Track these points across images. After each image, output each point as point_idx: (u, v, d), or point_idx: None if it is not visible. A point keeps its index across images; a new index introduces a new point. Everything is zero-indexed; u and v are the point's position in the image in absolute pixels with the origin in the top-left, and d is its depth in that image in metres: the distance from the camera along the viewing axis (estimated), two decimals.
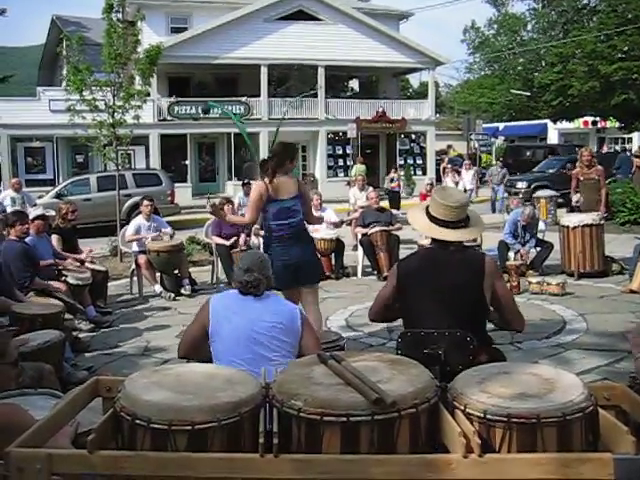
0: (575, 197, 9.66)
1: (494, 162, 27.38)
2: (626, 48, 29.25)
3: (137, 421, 2.15)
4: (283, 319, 3.33)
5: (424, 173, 28.62)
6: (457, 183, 17.14)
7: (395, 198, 18.93)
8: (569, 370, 2.58)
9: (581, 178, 9.89)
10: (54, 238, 8.02)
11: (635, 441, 2.06)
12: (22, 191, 13.40)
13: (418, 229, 3.67)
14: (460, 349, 3.16)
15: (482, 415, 2.14)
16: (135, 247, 9.25)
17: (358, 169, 20.42)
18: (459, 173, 20.46)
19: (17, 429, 2.22)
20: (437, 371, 2.85)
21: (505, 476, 2.03)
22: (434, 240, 3.48)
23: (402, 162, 29.49)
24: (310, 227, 9.93)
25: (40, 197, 17.31)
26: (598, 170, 10.00)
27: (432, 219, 3.43)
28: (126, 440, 2.22)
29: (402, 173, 28.67)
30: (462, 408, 2.21)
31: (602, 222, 9.33)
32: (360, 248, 10.06)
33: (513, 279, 8.31)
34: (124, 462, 2.11)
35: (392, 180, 19.70)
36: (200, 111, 24.42)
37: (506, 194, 19.43)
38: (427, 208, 3.49)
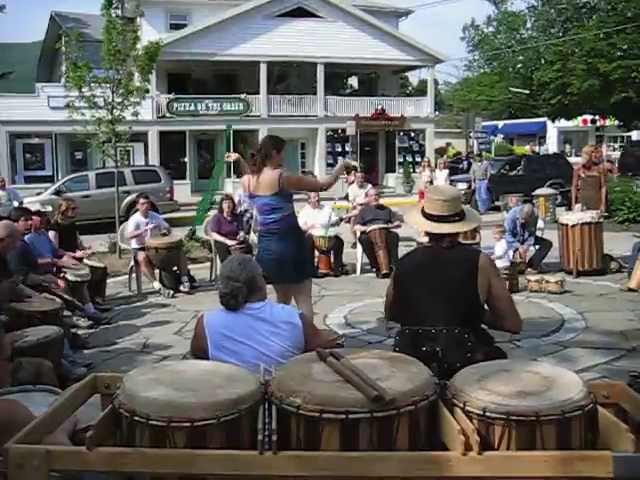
0: (577, 207, 9.63)
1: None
2: (625, 46, 29.25)
3: (136, 418, 2.15)
4: (290, 335, 3.13)
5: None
6: (431, 182, 16.18)
7: None
8: (568, 368, 2.58)
9: (582, 175, 9.89)
10: (51, 234, 8.00)
11: (634, 439, 2.06)
12: (7, 188, 13.38)
13: (413, 225, 3.71)
14: (458, 346, 3.16)
15: (481, 413, 2.14)
16: (134, 244, 9.25)
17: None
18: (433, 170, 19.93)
19: (18, 425, 2.22)
20: (435, 368, 2.84)
21: (504, 474, 2.03)
22: (431, 238, 3.50)
23: (401, 160, 29.52)
24: (309, 223, 10.03)
25: (39, 194, 17.33)
26: (600, 168, 10.01)
27: (426, 216, 3.47)
28: (125, 437, 2.21)
29: (401, 171, 28.76)
30: (461, 406, 2.21)
31: (601, 220, 9.33)
32: (359, 246, 10.06)
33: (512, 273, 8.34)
34: (123, 459, 2.11)
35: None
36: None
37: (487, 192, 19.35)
38: (422, 207, 3.53)
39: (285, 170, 5.53)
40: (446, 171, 19.29)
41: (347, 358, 2.39)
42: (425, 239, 8.46)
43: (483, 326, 3.43)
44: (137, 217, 9.41)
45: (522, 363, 2.66)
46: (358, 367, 2.29)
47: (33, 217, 7.41)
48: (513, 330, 3.53)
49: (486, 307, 3.37)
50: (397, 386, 2.17)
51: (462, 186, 20.28)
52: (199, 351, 3.13)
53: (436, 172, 18.97)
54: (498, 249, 8.90)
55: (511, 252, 9.12)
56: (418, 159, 29.47)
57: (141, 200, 9.39)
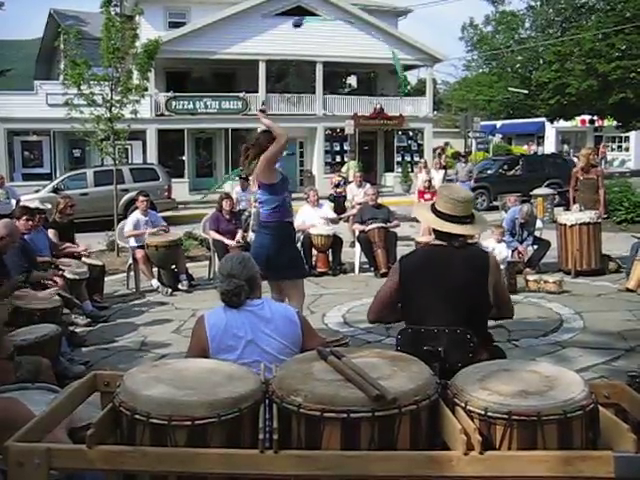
0: (575, 207, 9.65)
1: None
2: (624, 47, 29.23)
3: (136, 416, 2.14)
4: (288, 332, 3.16)
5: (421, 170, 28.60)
6: (430, 182, 15.88)
7: (339, 205, 14.65)
8: (566, 368, 2.58)
9: (580, 177, 9.89)
10: (51, 232, 8.00)
11: (635, 439, 2.06)
12: (5, 186, 13.36)
13: (427, 223, 3.69)
14: (460, 346, 3.16)
15: (483, 412, 2.14)
16: (133, 242, 9.23)
17: (354, 165, 20.15)
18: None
19: (18, 423, 2.21)
20: (437, 368, 2.84)
21: (506, 473, 2.03)
22: (438, 237, 3.47)
23: (399, 159, 29.52)
24: (307, 223, 10.03)
25: (37, 191, 17.30)
26: (597, 170, 10.03)
27: (439, 214, 3.44)
28: (125, 435, 2.21)
29: (399, 170, 28.76)
30: (463, 405, 2.21)
31: (599, 220, 9.34)
32: (357, 245, 10.06)
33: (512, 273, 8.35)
34: (123, 457, 2.10)
35: (338, 185, 16.36)
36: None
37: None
38: (432, 205, 3.52)
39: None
40: (442, 172, 19.04)
41: (348, 357, 2.39)
42: (424, 239, 8.51)
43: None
44: (136, 215, 9.39)
45: (523, 363, 2.66)
46: (359, 366, 2.29)
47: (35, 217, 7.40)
48: (507, 317, 3.62)
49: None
50: (399, 385, 2.17)
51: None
52: (200, 352, 3.11)
53: (432, 172, 18.64)
54: (500, 251, 8.85)
55: (510, 253, 9.12)
56: (417, 158, 29.50)
57: (141, 197, 9.37)
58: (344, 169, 20.09)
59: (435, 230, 3.49)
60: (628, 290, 7.99)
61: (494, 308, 3.42)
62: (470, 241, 8.39)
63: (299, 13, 26.73)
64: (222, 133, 27.46)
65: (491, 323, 3.55)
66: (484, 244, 8.94)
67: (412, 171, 28.38)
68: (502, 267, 8.27)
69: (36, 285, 6.19)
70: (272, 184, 5.38)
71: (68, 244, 8.08)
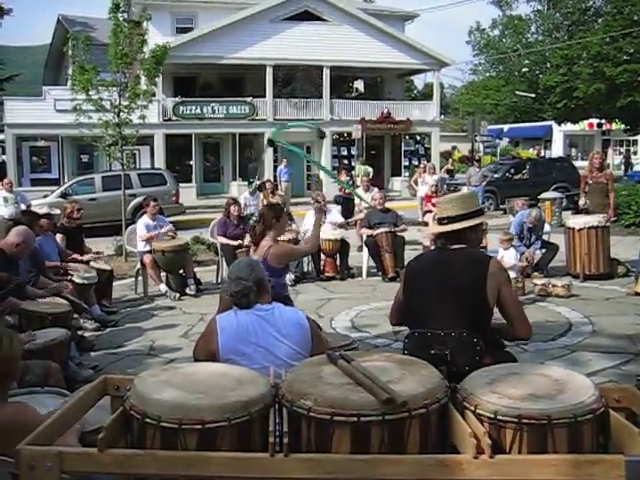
0: (582, 201, 9.64)
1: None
2: (632, 50, 29.22)
3: (147, 420, 2.15)
4: (298, 337, 3.16)
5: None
6: (436, 186, 15.62)
7: (347, 207, 14.59)
8: (576, 372, 2.58)
9: (590, 181, 9.86)
10: (58, 237, 8.03)
11: None
12: (15, 191, 13.40)
13: (431, 233, 3.79)
14: (466, 350, 3.15)
15: (493, 416, 2.14)
16: (141, 247, 9.24)
17: (364, 170, 20.16)
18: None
19: (29, 427, 2.22)
20: (444, 372, 2.84)
21: (516, 477, 2.02)
22: (438, 241, 3.54)
23: (407, 163, 29.52)
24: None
25: (45, 196, 17.37)
26: (607, 174, 9.99)
27: (437, 220, 3.55)
28: (136, 439, 2.22)
29: (407, 174, 28.75)
30: (472, 409, 2.21)
31: (608, 224, 9.30)
32: (365, 249, 10.05)
33: (518, 281, 8.26)
34: (134, 461, 2.11)
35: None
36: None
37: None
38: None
39: (277, 244, 5.31)
40: (436, 176, 18.61)
41: (357, 361, 2.39)
42: (429, 242, 8.49)
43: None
44: (145, 219, 9.40)
45: (533, 366, 2.66)
46: (369, 370, 2.29)
47: (41, 219, 7.44)
48: (522, 337, 3.49)
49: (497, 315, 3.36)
50: (408, 389, 2.17)
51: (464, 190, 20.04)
52: (206, 354, 3.11)
53: (425, 177, 18.07)
54: (508, 258, 8.72)
55: (518, 258, 9.01)
56: (424, 162, 29.47)
57: (152, 203, 9.36)
58: (355, 173, 20.05)
59: (433, 234, 3.59)
60: (637, 294, 7.96)
61: (507, 323, 3.37)
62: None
63: (306, 18, 26.83)
64: (229, 138, 27.52)
65: None
66: (490, 248, 8.90)
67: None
68: (512, 274, 8.17)
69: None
70: (277, 268, 5.10)
71: (75, 255, 8.06)
